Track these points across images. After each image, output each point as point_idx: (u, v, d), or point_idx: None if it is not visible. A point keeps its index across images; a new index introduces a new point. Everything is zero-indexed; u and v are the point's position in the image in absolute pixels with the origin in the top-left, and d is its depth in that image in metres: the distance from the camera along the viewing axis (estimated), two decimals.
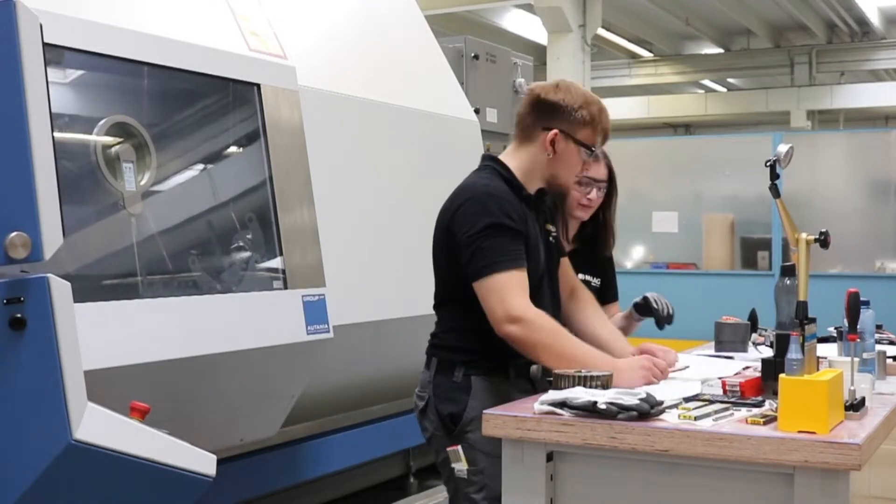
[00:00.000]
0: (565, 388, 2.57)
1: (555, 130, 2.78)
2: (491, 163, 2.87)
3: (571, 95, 2.80)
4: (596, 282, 3.52)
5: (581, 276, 3.37)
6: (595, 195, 3.38)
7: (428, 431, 2.88)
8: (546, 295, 2.89)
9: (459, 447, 2.75)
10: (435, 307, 2.95)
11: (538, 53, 13.15)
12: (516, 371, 2.84)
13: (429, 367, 2.88)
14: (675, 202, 11.99)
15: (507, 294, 2.65)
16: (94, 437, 2.44)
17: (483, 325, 2.74)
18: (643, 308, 3.45)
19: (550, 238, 2.97)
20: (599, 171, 3.38)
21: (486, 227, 2.67)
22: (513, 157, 2.88)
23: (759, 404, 2.50)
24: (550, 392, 2.52)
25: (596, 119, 2.80)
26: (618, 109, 19.73)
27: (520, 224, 2.74)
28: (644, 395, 2.38)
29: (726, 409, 2.46)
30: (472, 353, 2.81)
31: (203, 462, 2.70)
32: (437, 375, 2.84)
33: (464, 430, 2.78)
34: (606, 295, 3.58)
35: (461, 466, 2.73)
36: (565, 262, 3.10)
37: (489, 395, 2.77)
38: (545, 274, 2.90)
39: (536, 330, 2.65)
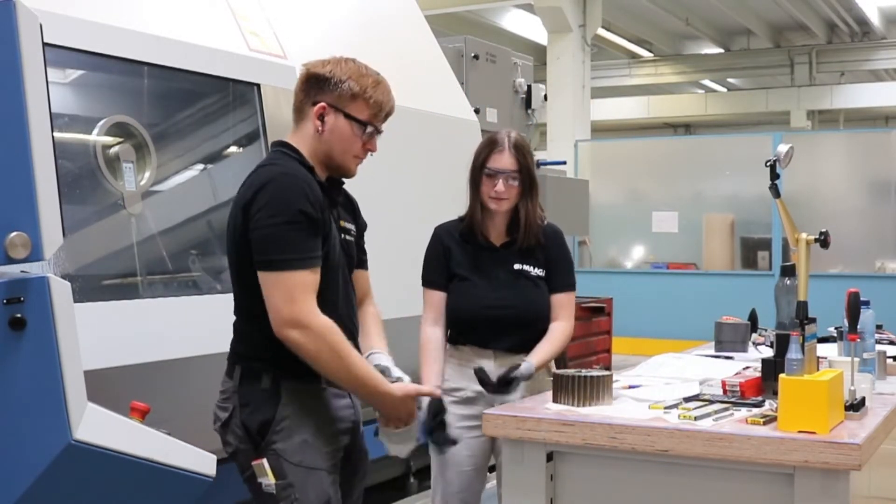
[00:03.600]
0: (566, 387, 2.57)
1: (322, 104, 2.60)
2: (282, 147, 2.64)
3: (341, 68, 2.61)
4: (538, 272, 3.29)
5: (518, 266, 3.25)
6: (502, 186, 3.20)
7: (231, 446, 2.59)
8: (340, 289, 2.66)
9: (265, 461, 2.52)
10: (235, 311, 2.67)
11: (538, 53, 13.16)
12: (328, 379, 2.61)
13: (231, 376, 2.60)
14: (675, 202, 12.00)
15: (297, 295, 2.43)
16: (94, 437, 2.44)
17: None
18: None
19: (346, 236, 2.73)
20: (501, 161, 3.21)
21: (285, 215, 2.45)
22: (295, 140, 2.66)
23: (759, 404, 2.50)
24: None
25: (366, 92, 2.60)
26: (618, 109, 19.77)
27: (318, 213, 2.52)
28: None
29: (726, 409, 2.46)
30: (280, 359, 2.52)
31: (203, 462, 2.69)
32: (242, 385, 2.57)
33: (271, 440, 2.53)
34: (550, 285, 3.31)
35: (268, 481, 2.50)
36: (362, 274, 2.88)
37: (302, 400, 2.56)
38: (341, 268, 2.67)
39: (318, 340, 2.44)
